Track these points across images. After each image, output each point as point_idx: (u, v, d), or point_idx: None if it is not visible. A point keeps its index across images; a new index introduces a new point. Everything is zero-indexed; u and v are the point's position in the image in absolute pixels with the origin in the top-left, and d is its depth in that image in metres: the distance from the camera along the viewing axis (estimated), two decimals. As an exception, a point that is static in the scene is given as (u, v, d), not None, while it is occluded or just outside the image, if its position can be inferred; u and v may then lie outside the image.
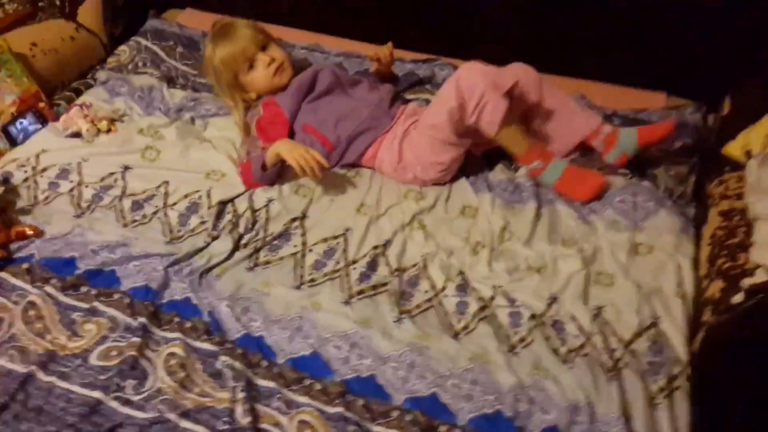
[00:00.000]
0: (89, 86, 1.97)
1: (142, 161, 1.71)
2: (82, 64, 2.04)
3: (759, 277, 1.20)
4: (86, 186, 1.63)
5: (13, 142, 1.73)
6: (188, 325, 1.31)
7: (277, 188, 1.63)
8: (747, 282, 1.20)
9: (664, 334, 1.31)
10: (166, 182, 1.64)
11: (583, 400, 1.20)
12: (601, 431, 1.17)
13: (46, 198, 1.60)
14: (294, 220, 1.57)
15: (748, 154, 1.53)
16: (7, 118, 1.73)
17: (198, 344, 1.27)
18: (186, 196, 1.61)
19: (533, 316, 1.35)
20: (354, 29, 2.21)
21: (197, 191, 1.62)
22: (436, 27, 2.12)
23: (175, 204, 1.60)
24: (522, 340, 1.33)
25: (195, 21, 2.28)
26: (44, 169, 1.67)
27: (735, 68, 1.80)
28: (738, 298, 1.21)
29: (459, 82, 1.49)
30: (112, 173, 1.67)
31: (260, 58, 1.69)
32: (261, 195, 1.62)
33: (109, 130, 1.80)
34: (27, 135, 1.75)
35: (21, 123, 1.75)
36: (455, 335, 1.33)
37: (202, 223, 1.56)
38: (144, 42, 2.11)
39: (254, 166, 1.60)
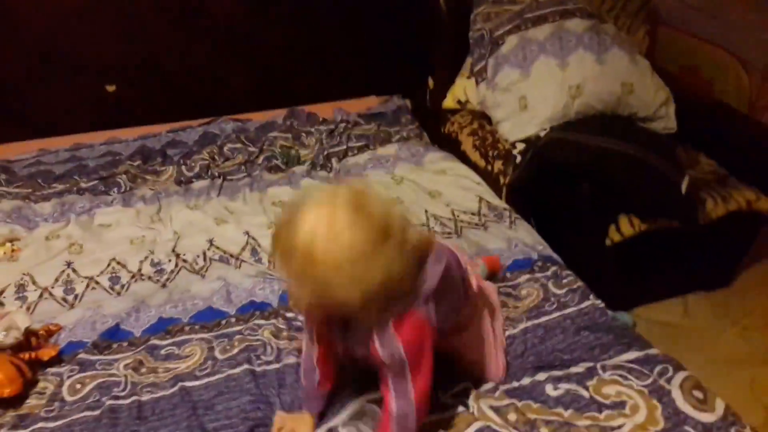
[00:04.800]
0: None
1: (74, 256, 1.93)
2: None
3: (519, 144, 2.22)
4: (52, 288, 1.81)
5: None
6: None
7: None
8: (518, 147, 2.21)
9: (487, 200, 2.22)
10: (113, 259, 1.93)
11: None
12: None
13: (29, 308, 1.74)
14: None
15: (459, 102, 2.58)
16: None
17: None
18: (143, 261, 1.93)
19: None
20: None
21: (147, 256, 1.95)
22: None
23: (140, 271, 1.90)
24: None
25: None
26: (1, 292, 1.77)
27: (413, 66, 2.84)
28: (518, 158, 2.21)
29: None
30: (63, 271, 1.86)
31: None
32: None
33: (13, 251, 1.94)
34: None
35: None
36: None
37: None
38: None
39: None
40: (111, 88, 2.53)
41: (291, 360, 1.55)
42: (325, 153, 2.50)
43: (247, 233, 2.01)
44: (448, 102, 2.60)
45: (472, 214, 2.15)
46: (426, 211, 2.15)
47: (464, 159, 2.45)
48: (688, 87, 2.52)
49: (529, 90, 2.27)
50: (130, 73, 2.54)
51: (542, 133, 2.22)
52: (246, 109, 2.75)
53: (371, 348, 1.18)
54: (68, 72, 2.44)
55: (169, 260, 1.92)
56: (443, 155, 2.47)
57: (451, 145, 2.54)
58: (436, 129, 2.66)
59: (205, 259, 1.93)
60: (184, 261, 1.92)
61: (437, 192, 2.27)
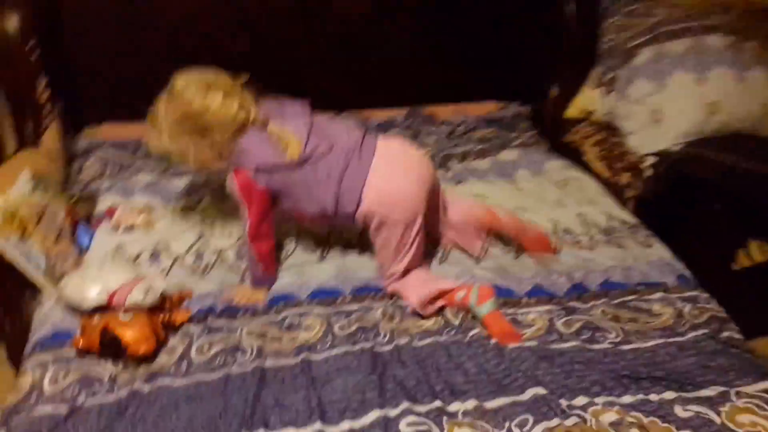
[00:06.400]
0: (91, 196, 2.14)
1: (209, 227, 2.02)
2: (61, 183, 2.18)
3: (649, 157, 2.15)
4: (184, 258, 1.90)
5: (81, 250, 1.88)
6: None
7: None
8: (649, 161, 2.14)
9: (616, 214, 2.15)
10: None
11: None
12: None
13: (162, 271, 1.83)
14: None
15: (583, 112, 2.53)
16: (68, 231, 1.88)
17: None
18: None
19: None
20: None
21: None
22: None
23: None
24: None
25: (118, 134, 2.52)
26: (137, 256, 1.87)
27: (534, 73, 2.80)
28: (648, 172, 2.14)
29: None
30: (194, 242, 1.95)
31: None
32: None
33: (149, 221, 2.04)
34: (89, 241, 1.92)
35: (81, 232, 1.91)
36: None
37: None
38: (105, 154, 2.34)
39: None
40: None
41: (404, 341, 1.59)
42: (443, 154, 2.51)
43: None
44: (572, 111, 2.55)
45: (603, 228, 2.09)
46: (554, 223, 2.10)
47: (586, 170, 2.40)
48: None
49: (664, 103, 2.20)
50: (251, 68, 2.60)
51: (675, 148, 2.14)
52: (364, 105, 2.78)
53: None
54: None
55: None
56: (565, 164, 2.43)
57: (571, 155, 2.49)
58: (556, 138, 2.62)
59: (328, 243, 1.97)
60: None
61: (561, 202, 2.22)
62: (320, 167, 1.66)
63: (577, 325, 1.67)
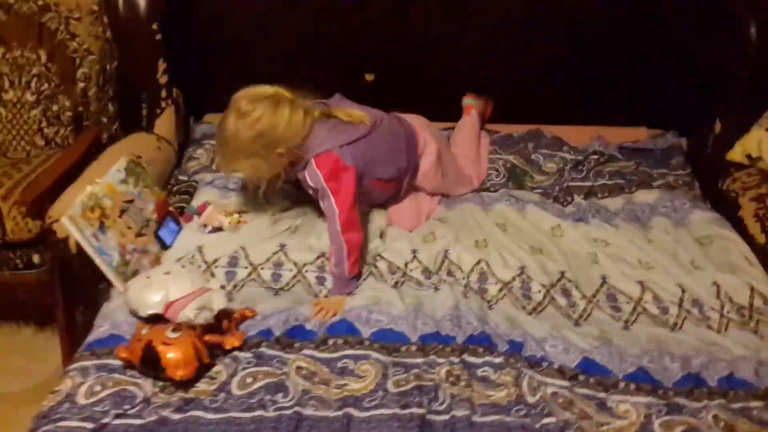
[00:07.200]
0: (191, 188, 2.12)
1: (292, 237, 1.91)
2: (167, 171, 2.19)
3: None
4: (262, 268, 1.81)
5: (163, 245, 1.85)
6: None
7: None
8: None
9: (761, 291, 1.77)
10: (323, 252, 1.86)
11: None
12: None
13: (235, 286, 1.76)
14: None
15: (749, 157, 2.12)
16: (154, 225, 1.85)
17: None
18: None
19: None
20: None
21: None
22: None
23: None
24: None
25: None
26: (215, 261, 1.81)
27: (699, 101, 2.40)
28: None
29: None
30: (274, 252, 1.85)
31: None
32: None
33: (239, 222, 1.97)
34: (173, 237, 1.89)
35: (167, 227, 1.88)
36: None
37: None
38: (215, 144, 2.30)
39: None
40: (370, 78, 2.48)
41: (462, 412, 1.39)
42: (565, 185, 2.22)
43: (445, 251, 1.85)
44: (735, 154, 2.15)
45: (741, 305, 1.75)
46: (682, 290, 1.80)
47: (738, 228, 2.01)
48: None
49: None
50: (389, 65, 2.47)
51: None
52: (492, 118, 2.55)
53: (304, 182, 1.79)
54: (331, 57, 2.44)
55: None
56: (713, 217, 2.06)
57: (725, 207, 2.11)
58: (711, 183, 2.23)
59: (404, 274, 1.80)
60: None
61: (697, 264, 1.88)
62: (390, 125, 1.89)
63: (679, 430, 1.39)
